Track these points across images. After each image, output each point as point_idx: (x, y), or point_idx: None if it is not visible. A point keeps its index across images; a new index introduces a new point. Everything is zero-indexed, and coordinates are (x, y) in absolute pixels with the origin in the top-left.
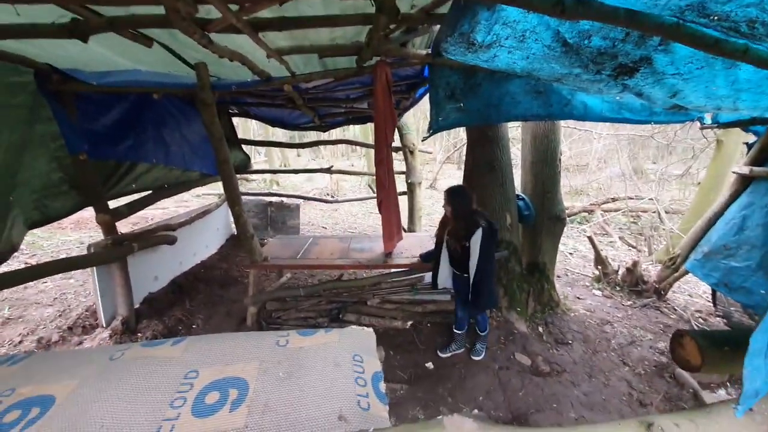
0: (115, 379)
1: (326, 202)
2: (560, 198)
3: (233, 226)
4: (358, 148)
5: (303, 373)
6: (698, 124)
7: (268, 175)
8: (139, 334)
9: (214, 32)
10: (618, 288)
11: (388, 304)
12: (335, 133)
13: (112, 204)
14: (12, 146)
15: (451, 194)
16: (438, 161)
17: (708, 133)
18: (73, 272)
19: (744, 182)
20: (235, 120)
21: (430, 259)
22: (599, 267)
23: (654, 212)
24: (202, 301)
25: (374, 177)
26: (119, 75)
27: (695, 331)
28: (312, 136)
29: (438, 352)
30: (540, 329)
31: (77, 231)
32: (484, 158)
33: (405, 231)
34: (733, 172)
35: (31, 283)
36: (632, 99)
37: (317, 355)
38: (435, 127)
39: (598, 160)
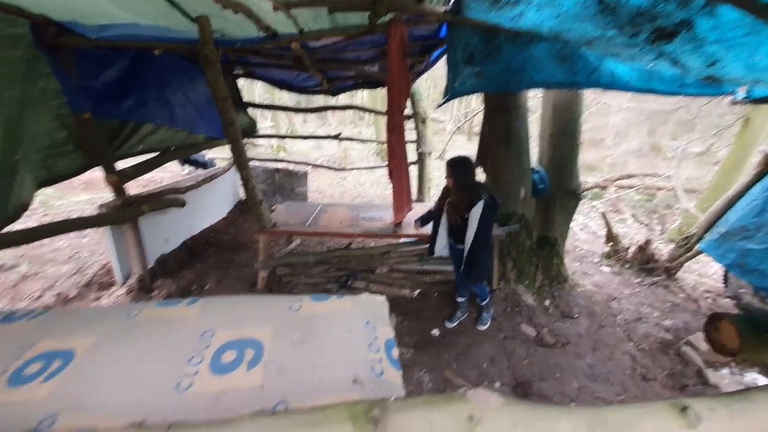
0: (133, 336)
1: (334, 169)
2: (577, 172)
3: (241, 191)
4: (366, 115)
5: (316, 339)
6: (729, 98)
7: (274, 142)
8: (154, 293)
9: None
10: (627, 265)
11: (397, 273)
12: (342, 99)
13: (119, 165)
14: (13, 102)
15: (453, 165)
16: (448, 132)
17: (736, 109)
18: (86, 231)
19: None
20: (239, 83)
21: (426, 222)
22: (610, 243)
23: (669, 190)
24: (213, 264)
25: (383, 145)
26: (117, 29)
27: (734, 315)
28: (319, 101)
29: (445, 322)
30: (547, 302)
31: (88, 192)
32: (500, 128)
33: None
34: (761, 152)
35: (46, 241)
36: (665, 68)
37: (330, 321)
38: (451, 93)
39: (614, 135)
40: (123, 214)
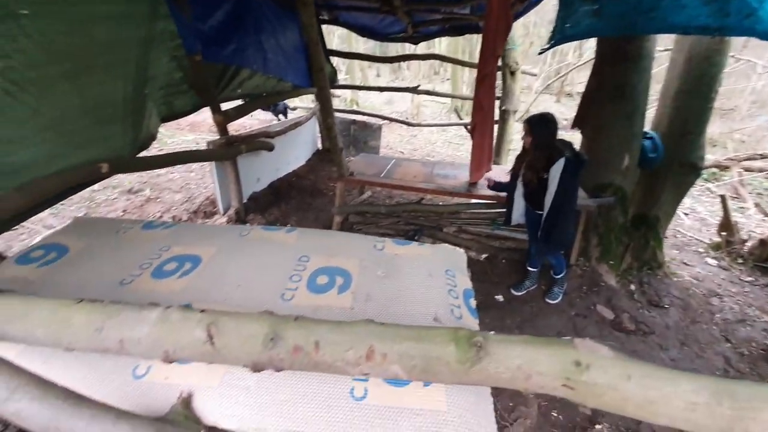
0: (246, 251)
1: (408, 124)
2: (703, 142)
3: (318, 141)
4: (441, 71)
5: (400, 276)
6: None
7: (348, 94)
8: (248, 225)
9: None
10: (740, 260)
11: (465, 234)
12: (420, 50)
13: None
14: (141, 41)
15: (533, 122)
16: (534, 90)
17: None
18: (193, 166)
19: None
20: None
21: (499, 189)
22: (724, 233)
23: None
24: (294, 206)
25: (459, 102)
26: None
27: None
28: (394, 52)
29: (512, 289)
30: (632, 287)
31: (192, 132)
32: (613, 81)
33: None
34: None
35: (162, 171)
36: None
37: (411, 263)
38: (559, 36)
39: (750, 104)
40: (226, 152)
